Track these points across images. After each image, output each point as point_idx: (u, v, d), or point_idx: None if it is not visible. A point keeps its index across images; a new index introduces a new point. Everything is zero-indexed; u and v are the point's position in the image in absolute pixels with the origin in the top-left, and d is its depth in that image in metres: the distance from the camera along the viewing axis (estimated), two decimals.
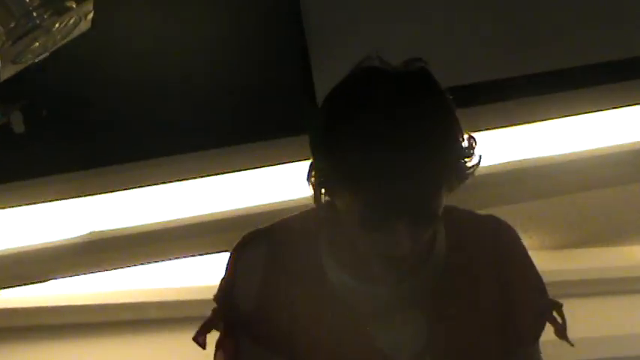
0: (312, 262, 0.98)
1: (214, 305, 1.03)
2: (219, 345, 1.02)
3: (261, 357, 0.98)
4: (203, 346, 1.02)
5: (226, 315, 1.01)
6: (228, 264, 1.02)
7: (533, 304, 1.04)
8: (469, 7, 2.38)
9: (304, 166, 0.97)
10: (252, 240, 1.02)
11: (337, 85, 0.94)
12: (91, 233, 2.54)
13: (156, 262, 3.24)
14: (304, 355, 0.96)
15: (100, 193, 2.46)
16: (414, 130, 0.87)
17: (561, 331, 1.04)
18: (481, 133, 2.40)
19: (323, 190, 0.95)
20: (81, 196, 2.45)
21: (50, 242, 2.55)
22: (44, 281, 3.30)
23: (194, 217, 2.53)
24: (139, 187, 2.41)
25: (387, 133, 0.86)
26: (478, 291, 0.99)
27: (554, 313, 1.05)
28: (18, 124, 2.37)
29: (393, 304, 0.94)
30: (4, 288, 3.40)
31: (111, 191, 2.43)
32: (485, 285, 1.00)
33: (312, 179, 0.95)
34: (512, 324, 1.02)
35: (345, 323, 0.95)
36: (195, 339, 1.01)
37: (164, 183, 2.43)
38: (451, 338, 0.97)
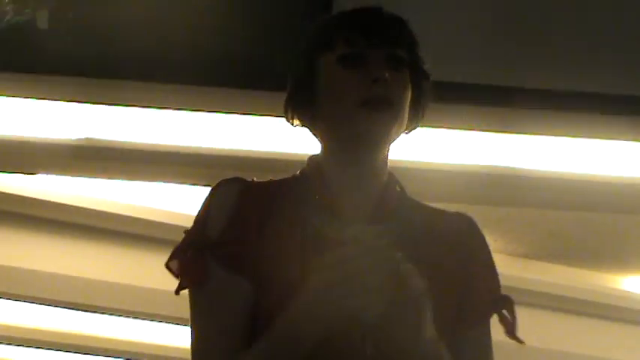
0: (285, 203, 1.02)
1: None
2: (184, 269, 1.02)
3: (227, 280, 0.98)
4: (174, 273, 1.02)
5: (196, 239, 1.01)
6: (205, 198, 1.04)
7: (489, 283, 1.07)
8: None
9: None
10: (230, 179, 1.05)
11: None
12: (87, 139, 2.55)
13: (143, 181, 3.29)
14: (268, 281, 0.97)
15: (104, 104, 2.47)
16: (393, 17, 1.03)
17: (511, 329, 1.06)
18: (474, 132, 2.47)
19: (303, 91, 1.03)
20: (86, 102, 2.46)
21: (48, 138, 2.57)
22: (33, 174, 3.32)
23: (186, 147, 2.56)
24: (142, 106, 2.43)
25: (367, 9, 1.03)
26: (442, 260, 1.02)
27: (505, 311, 1.07)
28: (43, 21, 2.39)
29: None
30: None
31: (115, 104, 2.45)
32: (448, 257, 1.03)
33: (291, 102, 1.05)
34: (469, 295, 1.05)
35: (309, 258, 0.96)
36: (166, 265, 1.02)
37: (167, 108, 2.46)
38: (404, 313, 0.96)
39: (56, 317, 5.45)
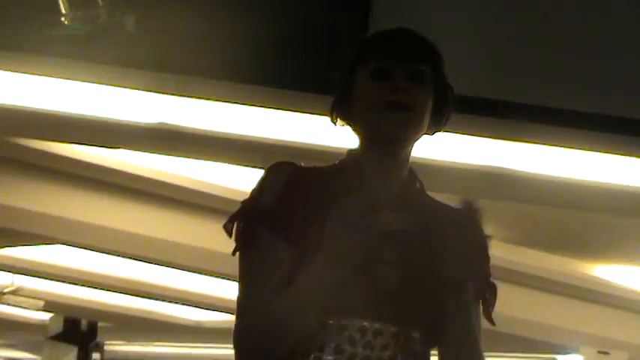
0: (327, 186, 1.03)
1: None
2: (238, 232, 1.03)
3: (271, 244, 0.99)
4: (230, 233, 1.04)
5: (249, 208, 1.02)
6: (261, 176, 1.06)
7: (483, 270, 1.08)
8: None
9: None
10: (283, 162, 1.08)
11: None
12: (160, 123, 2.64)
13: (206, 160, 3.39)
14: (307, 248, 0.97)
15: (177, 95, 2.55)
16: (420, 38, 1.05)
17: (489, 310, 1.07)
18: (481, 138, 2.51)
19: (343, 100, 1.06)
20: (161, 93, 2.57)
21: (130, 121, 2.67)
22: (114, 148, 3.40)
23: (243, 135, 2.64)
24: (209, 99, 2.51)
25: (399, 31, 1.05)
26: (444, 236, 1.03)
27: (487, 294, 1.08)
28: (130, 24, 2.45)
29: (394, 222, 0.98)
30: (82, 144, 3.51)
31: (185, 96, 2.53)
32: (450, 234, 1.04)
33: (335, 106, 1.07)
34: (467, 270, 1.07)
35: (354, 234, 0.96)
36: (224, 226, 1.04)
37: (228, 102, 2.54)
38: (419, 258, 1.00)
39: (130, 267, 5.67)
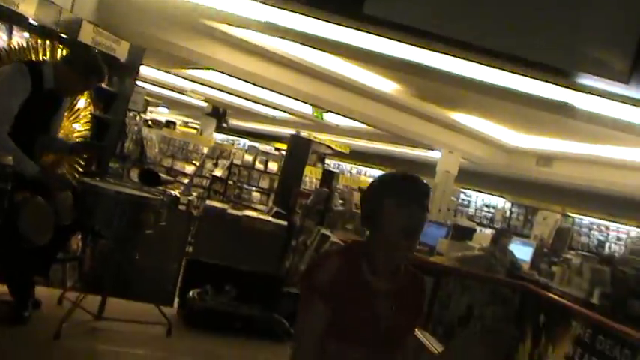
0: (357, 267, 1.42)
1: None
2: (304, 297, 1.44)
3: (320, 306, 1.40)
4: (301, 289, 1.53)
5: (311, 284, 1.41)
6: (319, 262, 1.48)
7: (422, 308, 1.60)
8: None
9: None
10: (331, 256, 1.47)
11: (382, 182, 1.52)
12: None
13: None
14: (341, 309, 1.40)
15: None
16: (425, 199, 1.43)
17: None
18: None
19: (374, 223, 1.43)
20: None
21: None
22: None
23: None
24: None
25: (414, 199, 1.41)
26: (410, 297, 1.49)
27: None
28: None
29: (386, 294, 1.43)
30: None
31: None
32: (413, 295, 1.52)
33: (368, 221, 1.45)
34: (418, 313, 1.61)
35: (366, 298, 1.43)
36: (300, 282, 1.49)
37: None
38: (400, 315, 1.46)
39: None
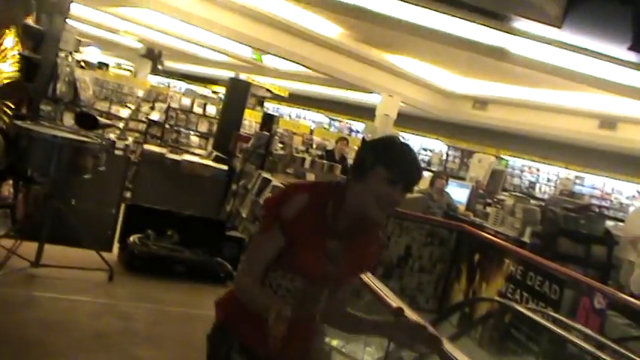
0: (321, 208, 1.46)
1: None
2: (263, 222, 1.49)
3: (275, 234, 1.45)
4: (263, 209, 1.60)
5: (275, 212, 1.44)
6: (286, 194, 1.47)
7: (378, 248, 1.62)
8: None
9: None
10: (301, 189, 1.48)
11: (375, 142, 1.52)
12: None
13: None
14: (296, 243, 1.45)
15: None
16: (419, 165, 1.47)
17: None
18: None
19: (368, 171, 1.42)
20: None
21: None
22: None
23: None
24: None
25: (410, 162, 1.45)
26: (362, 248, 1.55)
27: None
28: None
29: (341, 238, 1.48)
30: None
31: None
32: (367, 247, 1.57)
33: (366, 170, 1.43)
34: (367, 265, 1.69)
35: (322, 239, 1.48)
36: (264, 202, 1.64)
37: None
38: (348, 262, 1.51)
39: None
